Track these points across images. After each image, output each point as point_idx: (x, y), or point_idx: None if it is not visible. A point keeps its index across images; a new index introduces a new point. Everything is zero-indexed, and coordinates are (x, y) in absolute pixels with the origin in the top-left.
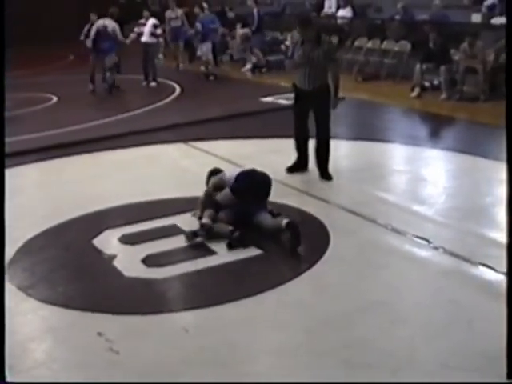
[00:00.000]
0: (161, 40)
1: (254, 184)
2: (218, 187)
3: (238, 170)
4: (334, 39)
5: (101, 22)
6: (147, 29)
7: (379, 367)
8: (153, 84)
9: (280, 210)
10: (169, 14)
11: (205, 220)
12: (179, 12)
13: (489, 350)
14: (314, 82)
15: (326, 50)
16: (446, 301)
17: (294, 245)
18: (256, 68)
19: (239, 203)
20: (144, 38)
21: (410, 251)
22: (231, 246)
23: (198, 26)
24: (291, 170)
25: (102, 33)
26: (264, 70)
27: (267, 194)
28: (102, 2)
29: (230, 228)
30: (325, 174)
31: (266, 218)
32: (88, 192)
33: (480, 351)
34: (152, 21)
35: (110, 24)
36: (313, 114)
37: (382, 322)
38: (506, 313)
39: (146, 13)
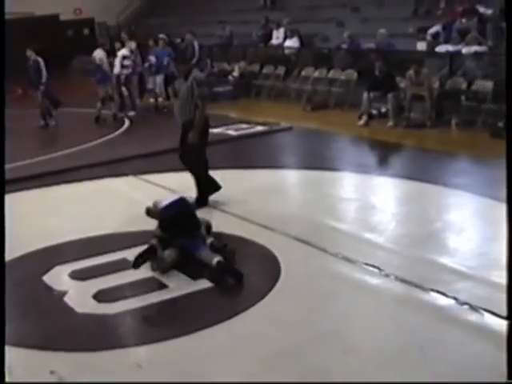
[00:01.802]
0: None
1: (178, 216)
2: (152, 214)
3: (164, 202)
4: (281, 69)
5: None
6: (118, 60)
7: None
8: (131, 113)
9: (229, 241)
10: (121, 51)
11: (153, 241)
12: (133, 46)
13: (441, 376)
14: (181, 117)
15: (190, 86)
16: (398, 327)
17: (234, 280)
18: None
19: (173, 238)
20: (116, 70)
21: (361, 279)
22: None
23: (152, 59)
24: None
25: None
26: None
27: (194, 224)
28: (45, 35)
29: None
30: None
31: (203, 254)
32: (37, 228)
33: (433, 377)
34: (123, 52)
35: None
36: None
37: (335, 351)
38: (505, 313)
39: (117, 44)
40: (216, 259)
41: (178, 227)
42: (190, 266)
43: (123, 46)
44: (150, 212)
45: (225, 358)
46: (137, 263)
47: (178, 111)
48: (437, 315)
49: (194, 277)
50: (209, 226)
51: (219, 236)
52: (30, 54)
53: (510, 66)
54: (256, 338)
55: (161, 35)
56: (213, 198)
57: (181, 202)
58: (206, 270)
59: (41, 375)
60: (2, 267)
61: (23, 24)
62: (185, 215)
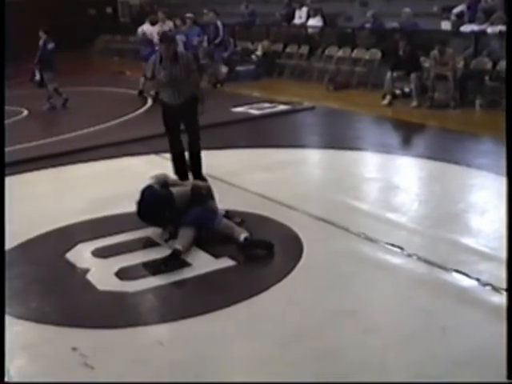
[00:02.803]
0: None
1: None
2: None
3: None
4: (305, 48)
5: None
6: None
7: (351, 378)
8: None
9: (252, 219)
10: (158, 27)
11: (177, 246)
12: (170, 25)
13: (462, 357)
14: (182, 96)
15: (186, 64)
16: (419, 309)
17: (266, 251)
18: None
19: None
20: None
21: (383, 259)
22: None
23: (182, 37)
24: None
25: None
26: (218, 85)
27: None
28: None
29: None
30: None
31: (222, 226)
32: (59, 206)
33: (453, 359)
34: (168, 25)
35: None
36: (184, 126)
37: (354, 332)
38: (505, 312)
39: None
40: (243, 235)
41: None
42: (213, 245)
43: (124, 27)
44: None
45: (242, 338)
46: (160, 270)
47: (175, 92)
48: (459, 296)
49: (216, 255)
50: (208, 190)
51: (240, 214)
52: (41, 34)
53: (510, 64)
54: (274, 318)
55: (188, 14)
56: (234, 176)
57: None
58: (234, 246)
59: (63, 352)
60: (1, 267)
61: (45, 2)
62: (150, 201)
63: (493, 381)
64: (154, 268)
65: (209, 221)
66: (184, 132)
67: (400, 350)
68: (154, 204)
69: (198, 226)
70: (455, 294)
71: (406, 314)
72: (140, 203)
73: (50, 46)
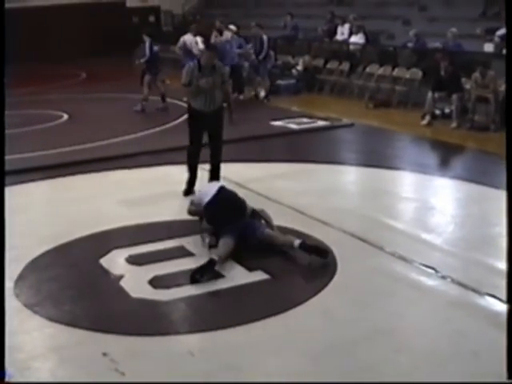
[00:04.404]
0: None
1: (224, 207)
2: (195, 213)
3: (205, 198)
4: (346, 65)
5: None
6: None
7: None
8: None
9: (287, 234)
10: (219, 38)
11: (213, 256)
12: (229, 35)
13: (494, 381)
14: (215, 105)
15: (221, 74)
16: (452, 331)
17: (322, 258)
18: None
19: (224, 226)
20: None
21: (416, 280)
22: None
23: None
24: (188, 192)
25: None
26: (265, 100)
27: (241, 208)
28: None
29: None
30: None
31: (267, 233)
32: (95, 211)
33: (485, 382)
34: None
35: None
36: (209, 136)
37: (387, 350)
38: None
39: (215, 33)
40: (297, 241)
41: (226, 217)
42: (247, 257)
43: (221, 34)
44: (192, 212)
45: (273, 351)
46: (195, 279)
47: (208, 99)
48: (491, 320)
49: (250, 268)
50: (254, 211)
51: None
52: (145, 37)
53: (510, 66)
54: (307, 332)
55: (231, 26)
56: (270, 190)
57: (222, 190)
58: (269, 260)
59: (93, 357)
60: (2, 268)
61: (89, 10)
62: (230, 203)
63: (493, 381)
64: (189, 276)
65: (251, 230)
66: (207, 144)
67: (430, 371)
68: (238, 198)
69: (240, 236)
70: (488, 318)
71: (438, 335)
72: (219, 200)
73: (155, 48)
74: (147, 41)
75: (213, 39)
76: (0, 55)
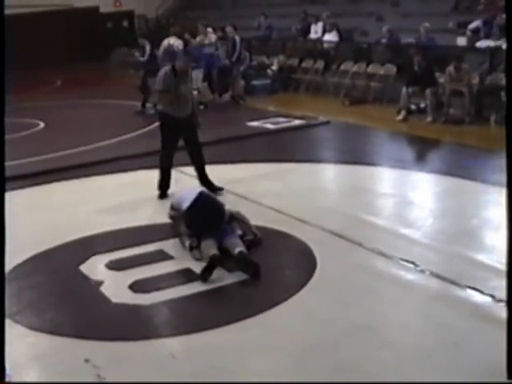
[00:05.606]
0: None
1: (204, 213)
2: (176, 218)
3: (184, 203)
4: (320, 63)
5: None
6: None
7: None
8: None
9: (266, 233)
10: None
11: (214, 251)
12: (213, 38)
13: (476, 373)
14: (188, 110)
15: (191, 79)
16: (434, 324)
17: (250, 273)
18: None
19: (203, 231)
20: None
21: (397, 275)
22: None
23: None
24: (162, 196)
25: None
26: (241, 101)
27: (219, 213)
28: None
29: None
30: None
31: (229, 242)
32: (74, 218)
33: (467, 374)
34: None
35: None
36: (186, 140)
37: (369, 346)
38: (506, 313)
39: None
40: (238, 249)
41: (205, 223)
42: (226, 259)
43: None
44: (173, 217)
45: (256, 351)
46: (204, 276)
47: (181, 105)
48: (473, 312)
49: (230, 269)
50: (231, 215)
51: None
52: (141, 41)
53: (510, 64)
54: (289, 332)
55: (208, 29)
56: (248, 190)
57: (201, 196)
58: (227, 259)
59: (75, 363)
60: (1, 268)
61: (62, 16)
62: (209, 208)
63: (493, 381)
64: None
65: (226, 236)
66: (184, 147)
67: (414, 365)
68: (218, 203)
69: (219, 242)
70: (469, 310)
71: (420, 329)
72: (198, 206)
73: (158, 53)
74: (147, 45)
75: (197, 42)
76: (0, 62)
